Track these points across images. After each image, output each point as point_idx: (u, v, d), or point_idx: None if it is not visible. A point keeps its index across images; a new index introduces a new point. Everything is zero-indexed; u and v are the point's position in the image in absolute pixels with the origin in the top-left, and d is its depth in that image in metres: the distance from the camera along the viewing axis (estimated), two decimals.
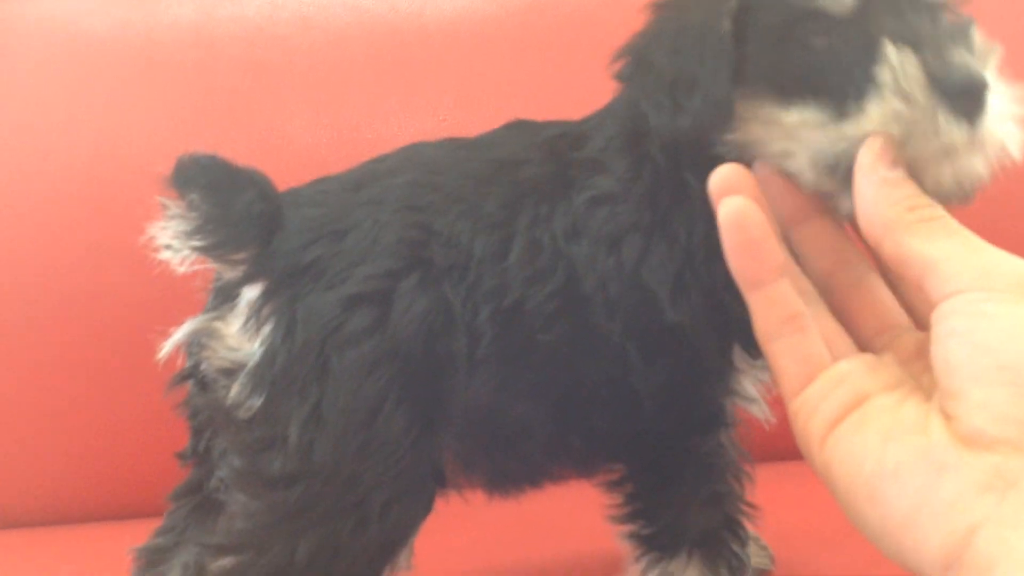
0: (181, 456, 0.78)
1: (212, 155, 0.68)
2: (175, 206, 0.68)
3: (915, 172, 0.56)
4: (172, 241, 0.68)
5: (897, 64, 0.56)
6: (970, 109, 0.55)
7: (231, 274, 0.69)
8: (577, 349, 0.71)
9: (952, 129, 0.55)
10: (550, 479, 0.80)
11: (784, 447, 0.69)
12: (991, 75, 0.56)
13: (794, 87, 0.61)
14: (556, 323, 0.70)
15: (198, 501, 0.78)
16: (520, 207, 0.71)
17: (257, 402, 0.66)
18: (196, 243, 0.67)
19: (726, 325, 0.70)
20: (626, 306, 0.70)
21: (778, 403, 0.75)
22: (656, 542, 0.74)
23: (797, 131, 0.61)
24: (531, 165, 0.73)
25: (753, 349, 0.71)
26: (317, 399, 0.65)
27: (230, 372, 0.68)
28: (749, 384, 0.74)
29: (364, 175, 0.75)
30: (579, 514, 0.81)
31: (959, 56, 0.55)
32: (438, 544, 0.81)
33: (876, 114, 0.56)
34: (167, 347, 0.72)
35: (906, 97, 0.55)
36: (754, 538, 0.87)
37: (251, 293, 0.68)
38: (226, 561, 0.68)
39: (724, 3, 0.64)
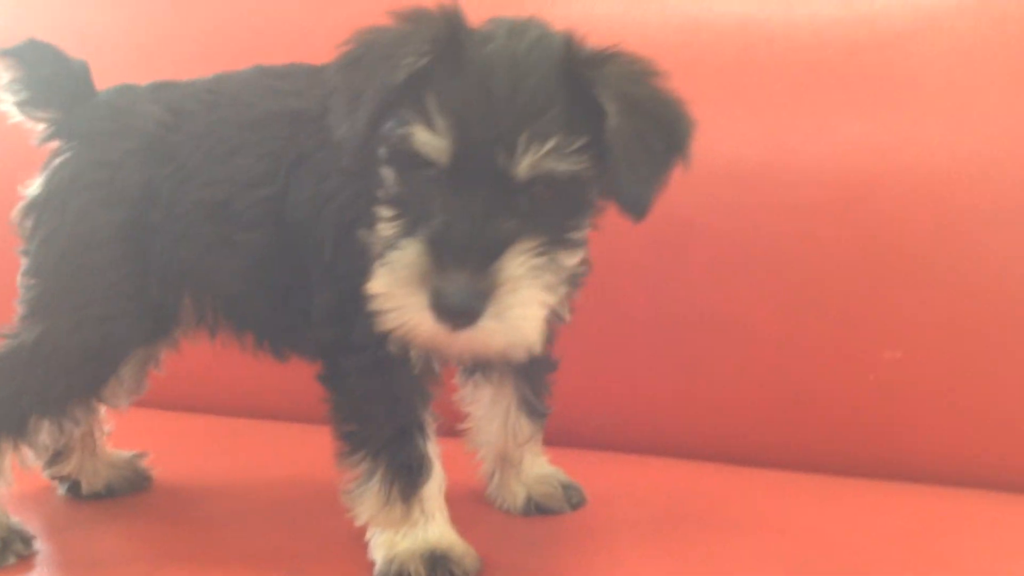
0: None
1: (41, 41, 0.93)
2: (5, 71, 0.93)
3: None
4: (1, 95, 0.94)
5: (407, 260, 0.69)
6: (456, 324, 0.68)
7: (41, 130, 0.94)
8: (273, 252, 0.87)
9: (437, 328, 0.69)
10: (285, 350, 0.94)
11: None
12: (498, 298, 0.68)
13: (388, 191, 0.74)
14: (259, 225, 0.86)
15: None
16: (267, 125, 0.88)
17: (28, 223, 0.91)
18: (10, 97, 0.93)
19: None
20: (313, 231, 0.85)
21: None
22: (352, 439, 0.84)
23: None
24: (302, 98, 0.88)
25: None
26: (54, 226, 0.90)
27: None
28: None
29: (178, 83, 0.94)
30: None
31: (458, 283, 0.67)
32: None
33: (383, 279, 0.71)
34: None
35: (407, 288, 0.69)
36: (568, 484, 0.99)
37: (52, 146, 0.93)
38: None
39: (407, 58, 0.71)
